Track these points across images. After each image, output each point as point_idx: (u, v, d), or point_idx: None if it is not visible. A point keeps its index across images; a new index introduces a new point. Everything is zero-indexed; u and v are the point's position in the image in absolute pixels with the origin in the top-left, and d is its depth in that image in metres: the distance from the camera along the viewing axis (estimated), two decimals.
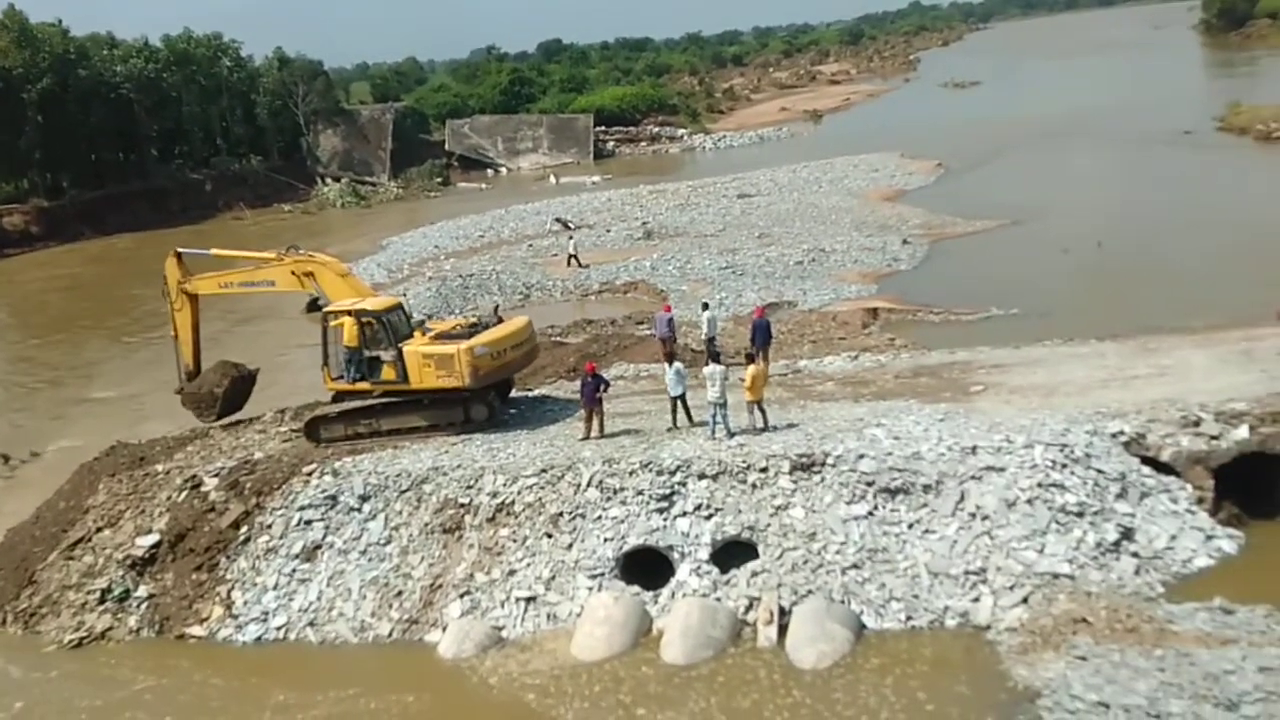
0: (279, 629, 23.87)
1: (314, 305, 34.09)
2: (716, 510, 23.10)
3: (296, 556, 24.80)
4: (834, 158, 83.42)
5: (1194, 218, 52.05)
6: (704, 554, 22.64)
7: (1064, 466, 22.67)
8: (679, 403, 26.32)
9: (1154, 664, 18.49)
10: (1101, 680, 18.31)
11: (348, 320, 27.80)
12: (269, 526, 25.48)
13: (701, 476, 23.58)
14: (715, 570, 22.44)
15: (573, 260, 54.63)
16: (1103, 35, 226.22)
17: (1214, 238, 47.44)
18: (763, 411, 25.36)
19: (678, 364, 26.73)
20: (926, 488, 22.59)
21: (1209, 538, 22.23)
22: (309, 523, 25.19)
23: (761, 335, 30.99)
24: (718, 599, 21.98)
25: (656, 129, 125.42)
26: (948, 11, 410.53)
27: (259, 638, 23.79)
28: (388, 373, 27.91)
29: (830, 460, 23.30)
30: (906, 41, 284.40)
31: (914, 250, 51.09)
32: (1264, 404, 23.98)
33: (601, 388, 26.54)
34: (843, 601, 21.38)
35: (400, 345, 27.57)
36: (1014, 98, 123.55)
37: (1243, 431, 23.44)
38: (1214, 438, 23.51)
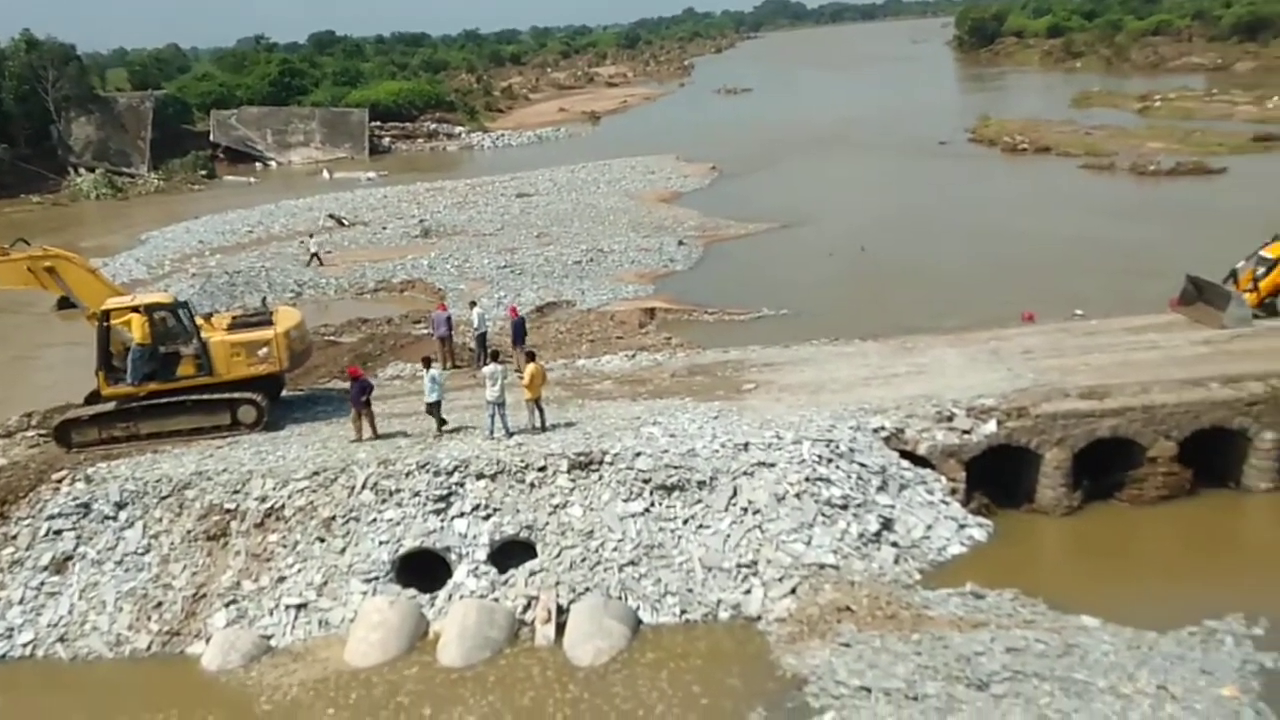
0: (25, 645, 22.37)
1: (65, 303, 31.95)
2: (495, 510, 23.00)
3: (45, 569, 23.22)
4: (612, 159, 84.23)
5: (947, 224, 54.89)
6: (482, 554, 22.52)
7: (830, 461, 23.53)
8: (433, 410, 25.75)
9: (911, 648, 19.38)
10: (864, 665, 19.08)
11: (136, 317, 26.30)
12: (14, 538, 23.84)
13: (480, 476, 23.43)
14: (493, 571, 22.35)
15: (314, 259, 53.57)
16: (866, 48, 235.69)
17: (965, 243, 50.18)
18: (541, 410, 25.40)
19: (434, 369, 25.94)
20: (701, 484, 23.05)
21: (961, 526, 23.49)
22: (59, 532, 23.67)
23: (516, 333, 31.35)
24: (496, 599, 21.89)
25: (434, 126, 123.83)
26: (720, 19, 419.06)
27: (3, 655, 22.31)
28: (186, 368, 26.63)
29: (608, 458, 23.52)
30: (681, 47, 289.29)
31: (689, 251, 52.06)
32: (1010, 400, 25.42)
33: (367, 392, 25.87)
34: (620, 598, 21.61)
35: (203, 337, 26.46)
36: (784, 105, 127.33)
37: (991, 426, 24.79)
38: (966, 432, 24.80)
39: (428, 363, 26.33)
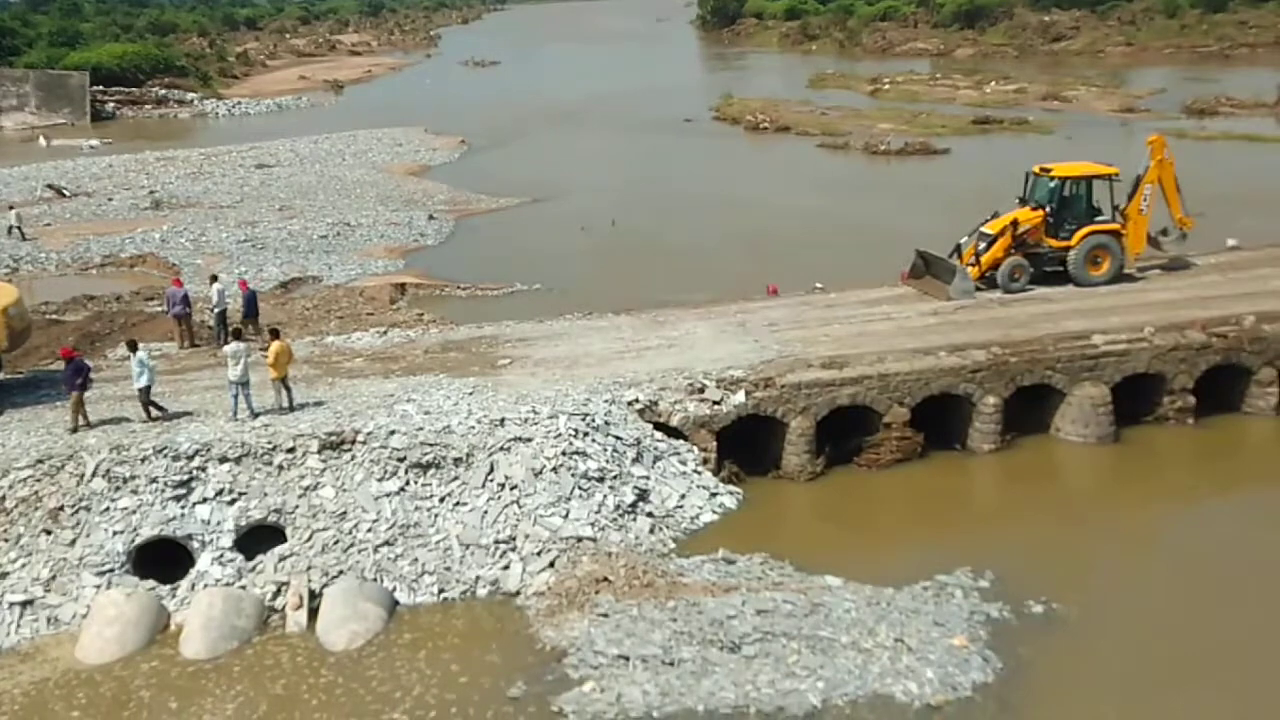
0: None
1: None
2: (240, 494, 22.18)
3: None
4: (357, 130, 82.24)
5: (695, 200, 56.07)
6: (227, 541, 21.67)
7: (585, 435, 23.75)
8: (143, 396, 24.21)
9: (667, 615, 19.83)
10: (621, 634, 19.40)
11: None
12: None
13: (223, 460, 22.53)
14: (240, 557, 21.55)
15: (14, 231, 49.90)
16: (612, 24, 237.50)
17: (712, 218, 51.41)
18: (288, 390, 24.62)
19: (141, 352, 24.37)
20: (457, 461, 22.90)
21: (713, 495, 24.15)
22: None
23: (248, 308, 30.47)
24: (243, 587, 21.14)
25: (163, 91, 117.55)
26: None
27: None
28: None
29: (361, 438, 23.06)
30: (427, 17, 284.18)
31: (440, 226, 51.46)
32: (757, 371, 26.26)
33: (84, 374, 24.11)
34: (375, 580, 21.26)
35: None
36: (533, 79, 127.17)
37: (740, 397, 25.55)
38: (716, 403, 25.45)
39: (133, 345, 24.77)
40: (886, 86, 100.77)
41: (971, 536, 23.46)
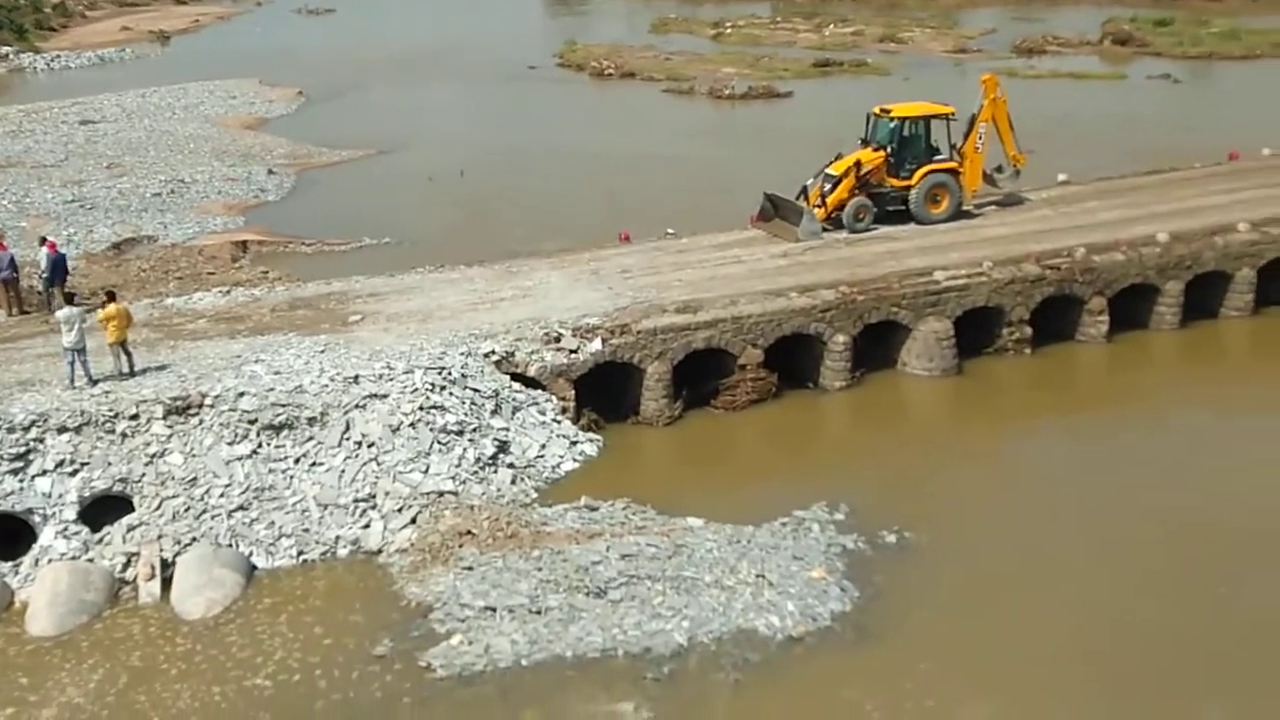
0: None
1: None
2: (83, 465, 21.36)
3: None
4: (188, 83, 78.72)
5: (543, 148, 55.40)
6: (71, 514, 20.92)
7: (443, 389, 23.51)
8: None
9: (533, 565, 19.89)
10: (487, 586, 19.40)
11: None
12: None
13: (62, 430, 21.63)
14: (86, 530, 20.84)
15: None
16: None
17: (561, 166, 51.01)
18: (128, 354, 23.71)
19: None
20: (311, 421, 22.44)
21: (573, 443, 24.22)
22: None
23: (58, 272, 29.08)
24: (90, 560, 20.47)
25: None
26: None
27: None
28: None
29: (208, 401, 22.41)
30: None
31: (281, 181, 49.91)
32: (612, 318, 26.31)
33: None
34: (231, 545, 20.80)
35: None
36: (371, 27, 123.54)
37: (596, 344, 25.58)
38: (573, 351, 25.45)
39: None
40: (728, 30, 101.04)
41: (826, 472, 24.05)
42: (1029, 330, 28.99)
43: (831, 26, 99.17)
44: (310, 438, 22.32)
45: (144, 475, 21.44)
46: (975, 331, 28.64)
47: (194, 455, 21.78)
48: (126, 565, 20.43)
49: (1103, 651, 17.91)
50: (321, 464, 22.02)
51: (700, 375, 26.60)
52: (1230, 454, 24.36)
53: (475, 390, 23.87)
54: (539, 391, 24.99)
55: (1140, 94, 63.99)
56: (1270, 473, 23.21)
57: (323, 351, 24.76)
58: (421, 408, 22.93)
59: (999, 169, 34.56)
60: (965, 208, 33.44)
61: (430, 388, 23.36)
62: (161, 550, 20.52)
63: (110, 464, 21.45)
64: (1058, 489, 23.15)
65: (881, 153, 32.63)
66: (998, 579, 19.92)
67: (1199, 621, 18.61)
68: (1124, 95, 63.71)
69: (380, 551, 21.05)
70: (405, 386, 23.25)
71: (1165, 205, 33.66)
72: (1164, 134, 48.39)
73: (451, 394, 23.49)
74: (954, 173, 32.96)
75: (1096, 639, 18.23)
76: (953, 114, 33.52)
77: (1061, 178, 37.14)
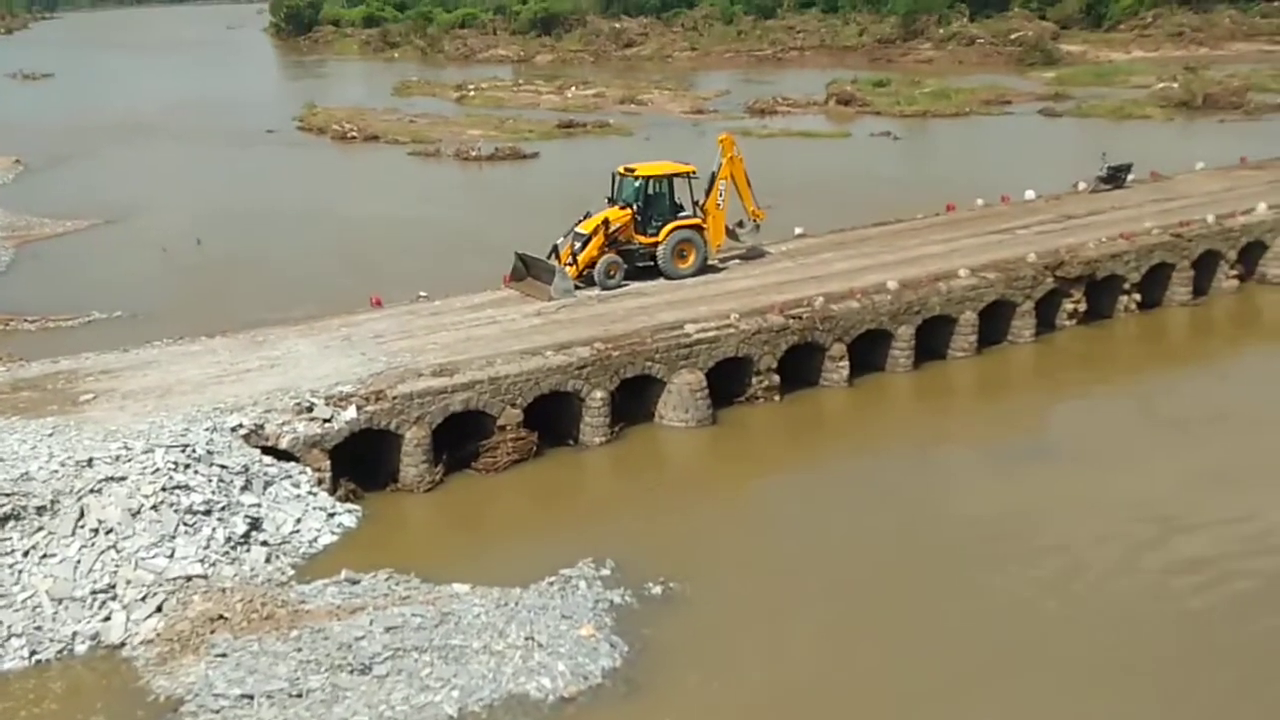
0: None
1: None
2: None
3: None
4: None
5: (285, 213, 54.20)
6: None
7: (187, 467, 22.29)
8: None
9: (291, 645, 18.99)
10: (243, 673, 18.39)
11: None
12: None
13: None
14: None
15: None
16: (179, 33, 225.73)
17: (305, 231, 49.95)
18: None
19: None
20: (41, 509, 20.87)
21: (331, 515, 23.34)
22: None
23: None
24: None
25: None
26: None
27: None
28: None
29: None
30: None
31: None
32: (367, 384, 25.64)
33: None
34: None
35: None
36: (94, 92, 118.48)
37: (351, 412, 24.85)
38: (327, 421, 24.60)
39: None
40: (472, 93, 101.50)
41: (591, 528, 23.97)
42: (777, 378, 29.82)
43: (574, 89, 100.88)
44: (40, 528, 20.70)
45: None
46: (727, 381, 29.28)
47: None
48: None
49: (858, 685, 18.42)
50: (54, 555, 20.42)
51: (460, 438, 26.19)
52: (970, 484, 25.55)
53: (223, 467, 22.71)
54: (292, 464, 23.98)
55: (864, 150, 67.46)
56: (1002, 499, 24.50)
57: (51, 434, 23.10)
58: (164, 488, 21.62)
59: (740, 224, 35.66)
60: (711, 262, 34.30)
61: (173, 467, 22.08)
62: None
63: None
64: (811, 530, 23.77)
65: (628, 211, 33.17)
66: (760, 623, 20.21)
67: (954, 646, 19.37)
68: (850, 151, 67.02)
69: (123, 645, 19.61)
70: (145, 467, 21.91)
71: (893, 254, 35.37)
72: (887, 187, 51.04)
73: (197, 472, 22.28)
74: (698, 228, 33.81)
75: (855, 674, 18.74)
76: (694, 172, 34.49)
77: (798, 231, 38.56)
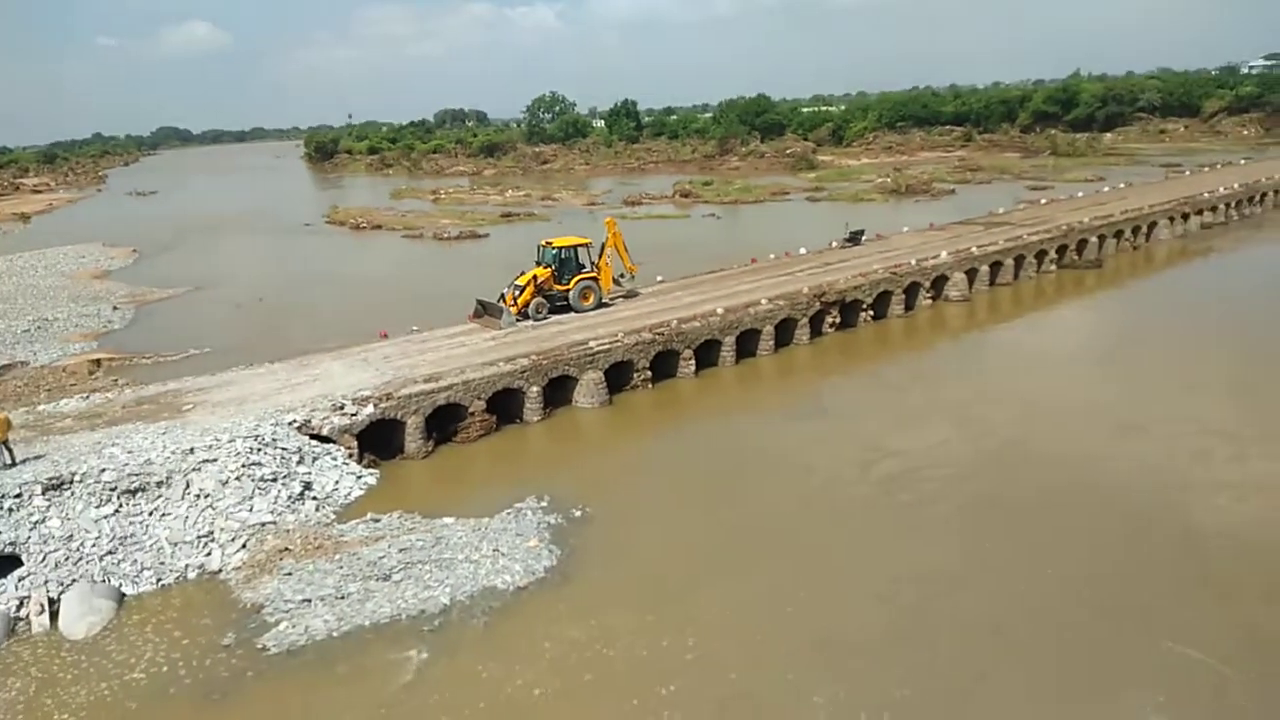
0: None
1: None
2: None
3: None
4: (46, 249, 69.69)
5: (320, 278, 52.63)
6: None
7: (259, 450, 21.67)
8: None
9: (335, 565, 18.58)
10: (303, 585, 17.96)
11: None
12: None
13: None
14: None
15: None
16: (242, 161, 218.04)
17: (334, 290, 48.55)
18: (9, 450, 20.52)
19: None
20: (160, 483, 20.12)
21: (359, 478, 22.86)
22: None
23: None
24: None
25: None
26: (125, 141, 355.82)
27: None
28: None
29: (78, 477, 19.65)
30: (94, 162, 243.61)
31: (123, 314, 44.78)
32: (380, 390, 25.13)
33: None
34: (104, 581, 18.24)
35: None
36: (184, 202, 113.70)
37: (370, 408, 24.36)
38: (354, 415, 24.10)
39: None
40: (442, 196, 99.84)
41: (534, 475, 23.77)
42: (649, 374, 29.99)
43: (510, 191, 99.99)
44: (160, 495, 19.97)
45: (29, 538, 18.48)
46: (618, 376, 29.36)
47: (69, 519, 19.00)
48: (20, 606, 17.50)
49: (703, 555, 18.66)
50: (170, 514, 19.73)
51: (445, 422, 25.83)
52: (768, 432, 25.99)
53: (283, 449, 22.11)
54: (331, 444, 23.44)
55: (699, 226, 68.12)
56: (787, 440, 24.98)
57: (164, 433, 22.26)
58: (244, 465, 21.01)
59: (622, 275, 35.76)
60: (604, 301, 34.34)
61: (249, 450, 21.47)
62: (48, 591, 17.71)
63: (1, 532, 18.39)
64: (673, 467, 23.97)
65: (549, 269, 33.03)
66: (644, 528, 20.34)
67: (750, 528, 19.71)
68: (689, 227, 67.62)
69: (220, 571, 19.04)
70: (230, 451, 21.25)
71: (720, 291, 35.81)
72: (714, 249, 51.56)
73: (266, 453, 21.67)
74: (595, 279, 33.81)
75: (721, 559, 18.95)
76: (589, 242, 34.49)
77: (659, 279, 38.80)
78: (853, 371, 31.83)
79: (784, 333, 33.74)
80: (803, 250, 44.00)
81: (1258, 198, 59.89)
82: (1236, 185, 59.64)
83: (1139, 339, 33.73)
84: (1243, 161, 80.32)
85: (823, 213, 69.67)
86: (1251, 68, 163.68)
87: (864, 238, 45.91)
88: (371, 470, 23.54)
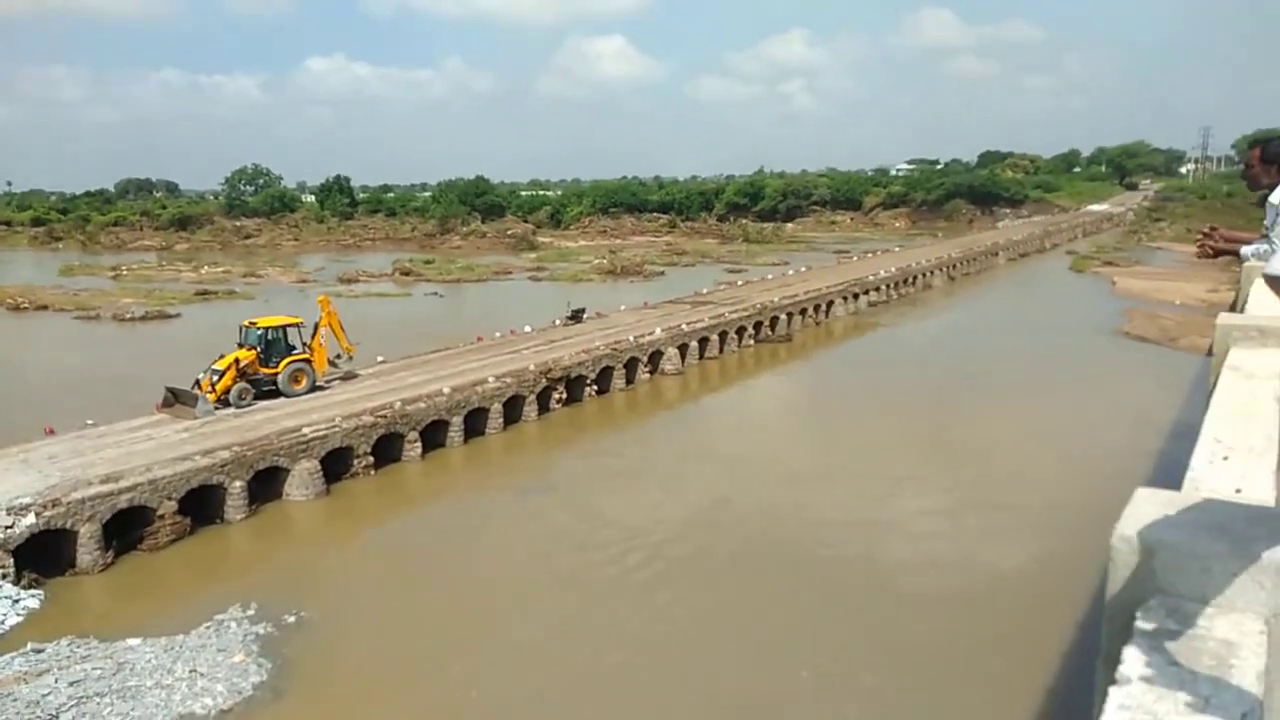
0: None
1: None
2: None
3: None
4: None
5: None
6: None
7: None
8: None
9: None
10: None
11: None
12: None
13: None
14: None
15: None
16: None
17: None
18: None
19: None
20: None
21: (16, 601, 19.47)
22: None
23: None
24: None
25: None
26: None
27: None
28: None
29: None
30: None
31: None
32: (44, 495, 21.65)
33: None
34: None
35: None
36: None
37: (30, 518, 20.90)
38: (9, 527, 20.52)
39: None
40: (125, 272, 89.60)
41: (237, 582, 21.59)
42: (372, 459, 28.70)
43: (206, 268, 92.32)
44: None
45: None
46: (336, 464, 27.74)
47: None
48: None
49: (451, 656, 17.95)
50: None
51: (128, 527, 22.73)
52: (498, 512, 25.81)
53: None
54: None
55: (421, 304, 67.16)
56: (516, 519, 24.97)
57: None
58: None
59: (339, 356, 34.16)
60: (318, 384, 32.53)
61: None
62: None
63: None
64: (399, 558, 23.01)
65: (253, 351, 30.80)
66: (365, 630, 19.16)
67: (472, 607, 19.40)
68: (411, 305, 66.45)
69: None
70: None
71: (446, 370, 35.35)
72: (438, 327, 50.95)
73: None
74: (308, 361, 32.02)
75: (444, 650, 18.22)
76: (301, 322, 32.73)
77: (380, 359, 37.49)
78: (579, 444, 32.70)
79: (512, 410, 33.93)
80: (528, 328, 44.85)
81: (911, 279, 70.66)
82: (894, 269, 69.99)
83: (829, 404, 38.07)
84: (897, 249, 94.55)
85: (545, 291, 71.44)
86: (898, 170, 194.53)
87: (585, 315, 47.79)
88: (33, 591, 20.08)
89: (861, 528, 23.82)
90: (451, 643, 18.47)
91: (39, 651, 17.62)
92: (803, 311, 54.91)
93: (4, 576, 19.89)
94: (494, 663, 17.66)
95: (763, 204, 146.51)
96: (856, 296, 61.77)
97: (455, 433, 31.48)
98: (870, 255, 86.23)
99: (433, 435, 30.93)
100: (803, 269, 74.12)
